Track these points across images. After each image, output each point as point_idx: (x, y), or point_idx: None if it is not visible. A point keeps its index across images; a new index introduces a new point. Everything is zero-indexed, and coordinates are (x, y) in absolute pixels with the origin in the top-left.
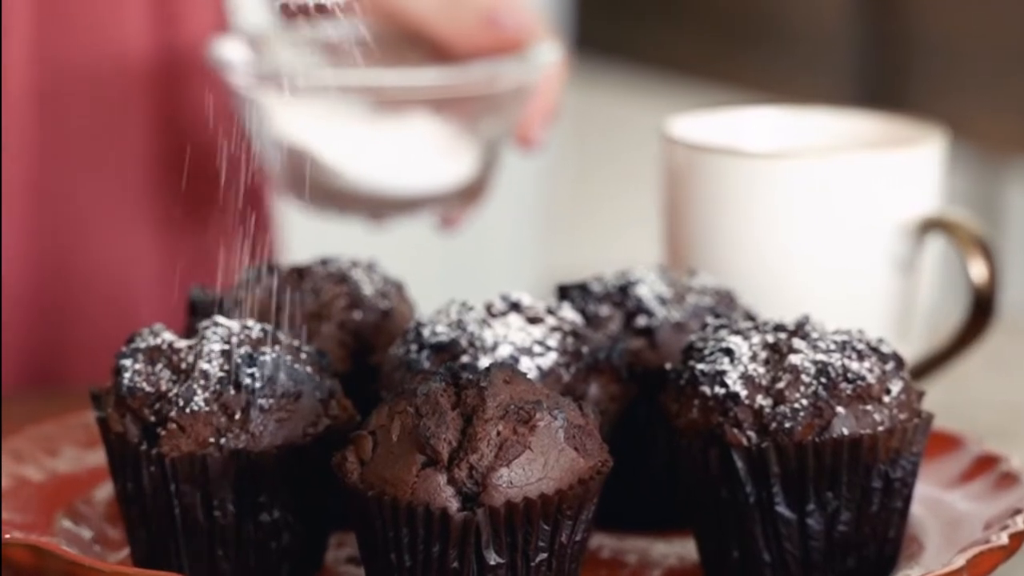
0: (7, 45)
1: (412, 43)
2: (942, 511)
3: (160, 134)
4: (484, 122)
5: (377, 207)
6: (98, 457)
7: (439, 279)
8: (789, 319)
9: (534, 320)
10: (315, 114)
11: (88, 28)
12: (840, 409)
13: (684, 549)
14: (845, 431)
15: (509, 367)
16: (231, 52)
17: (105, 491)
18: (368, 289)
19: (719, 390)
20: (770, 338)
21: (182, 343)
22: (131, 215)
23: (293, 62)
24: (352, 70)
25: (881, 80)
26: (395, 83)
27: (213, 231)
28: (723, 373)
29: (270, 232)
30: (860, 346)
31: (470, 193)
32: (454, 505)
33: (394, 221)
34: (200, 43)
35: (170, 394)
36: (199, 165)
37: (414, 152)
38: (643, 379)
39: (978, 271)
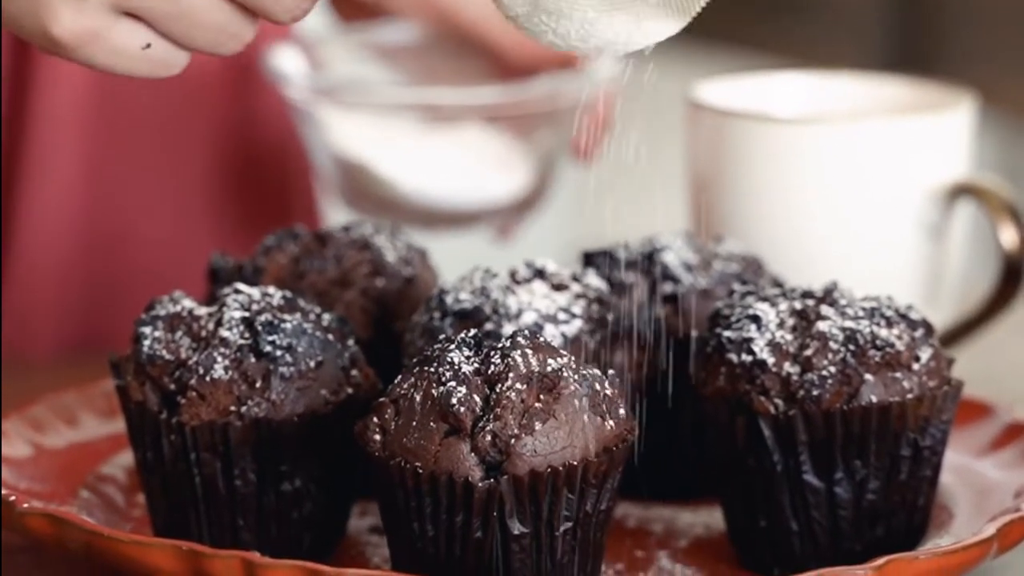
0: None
1: (467, 47)
2: (972, 479)
3: (221, 135)
4: (539, 135)
5: (431, 219)
6: (118, 426)
7: (463, 245)
8: (817, 286)
9: (559, 287)
10: (371, 126)
11: None
12: (868, 376)
13: (711, 518)
14: (874, 399)
15: (533, 334)
16: (287, 63)
17: (125, 460)
18: (391, 256)
19: (746, 357)
20: (798, 305)
21: (202, 310)
22: (183, 209)
23: (348, 74)
24: (407, 85)
25: (908, 45)
26: (451, 101)
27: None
28: (750, 340)
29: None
30: (889, 313)
31: (525, 205)
32: (477, 474)
33: (447, 232)
34: (263, 48)
35: (190, 362)
36: (257, 169)
37: (469, 165)
38: (669, 346)
39: (1008, 237)
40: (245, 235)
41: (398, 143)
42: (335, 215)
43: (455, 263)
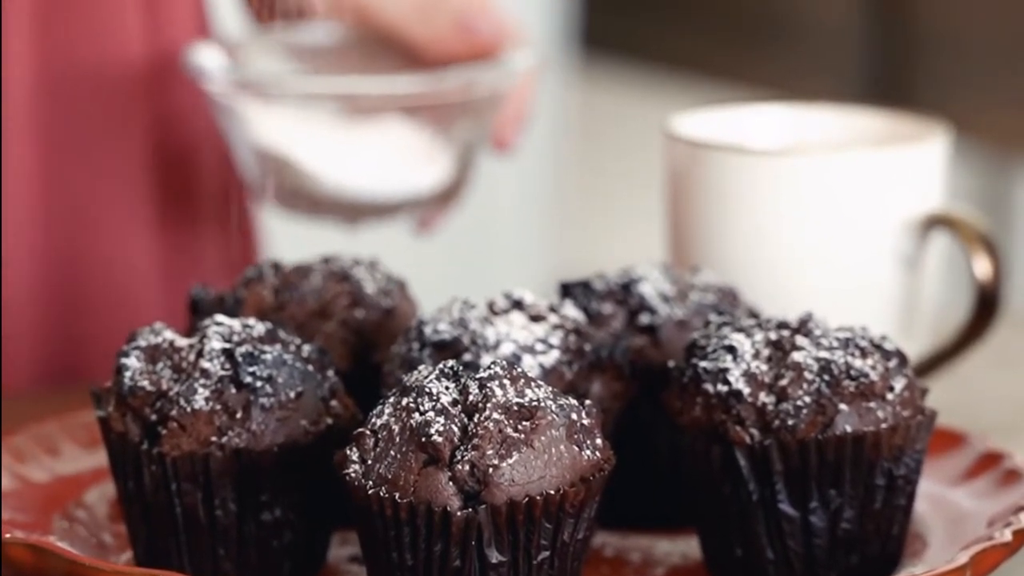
0: (9, 49)
1: (385, 47)
2: (946, 508)
3: (153, 135)
4: (459, 126)
5: (354, 212)
6: (99, 456)
7: (442, 277)
8: (792, 316)
9: (536, 318)
10: (291, 120)
11: (86, 33)
12: (843, 406)
13: (687, 547)
14: (848, 428)
15: (511, 365)
16: (207, 59)
17: (106, 490)
18: (370, 287)
19: (722, 388)
20: (773, 335)
21: (183, 341)
22: (130, 212)
23: (268, 68)
24: (326, 77)
25: (886, 77)
26: (370, 91)
27: (201, 230)
28: (726, 371)
29: (252, 234)
30: (863, 343)
31: (446, 196)
32: (456, 503)
33: (369, 225)
34: (183, 47)
35: (171, 393)
36: (187, 167)
37: (390, 157)
38: (646, 377)
39: (982, 268)
40: (185, 234)
41: (319, 136)
42: (265, 212)
43: (434, 294)
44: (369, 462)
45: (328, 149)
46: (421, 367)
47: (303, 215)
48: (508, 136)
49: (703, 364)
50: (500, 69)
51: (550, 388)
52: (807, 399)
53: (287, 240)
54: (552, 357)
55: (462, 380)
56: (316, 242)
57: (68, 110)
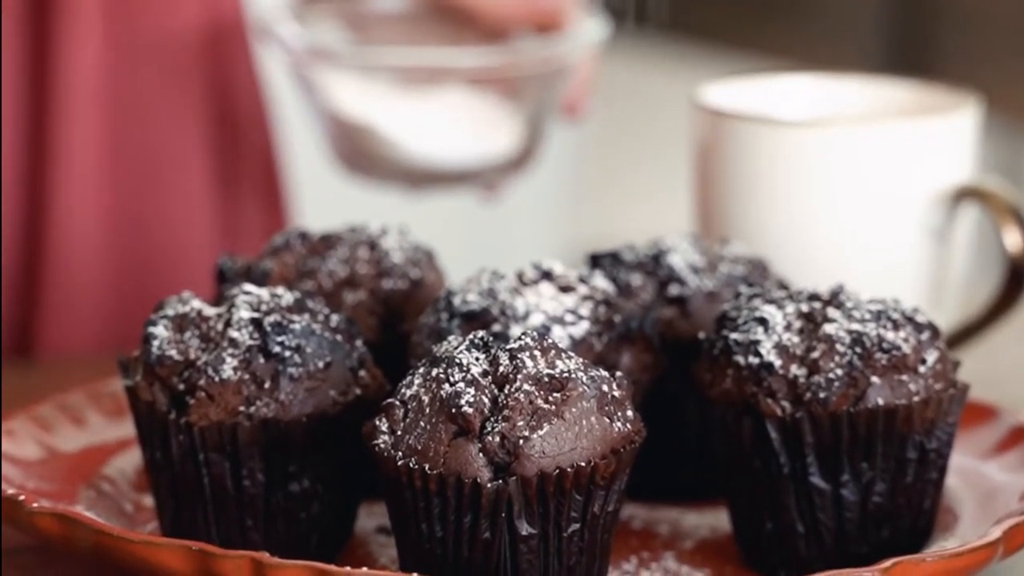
0: (79, 19)
1: (441, 12)
2: (977, 482)
3: (211, 100)
4: (530, 95)
5: (425, 178)
6: (125, 426)
7: (468, 247)
8: (823, 288)
9: (566, 289)
10: (367, 87)
11: (150, 2)
12: (875, 379)
13: (716, 520)
14: (880, 401)
15: (541, 336)
16: (280, 26)
17: (133, 460)
18: (398, 257)
19: (753, 360)
20: (804, 307)
21: (211, 311)
22: (189, 175)
23: (334, 36)
24: (398, 47)
25: (910, 48)
26: (452, 63)
27: (253, 194)
28: (757, 343)
29: (290, 201)
30: (895, 316)
31: (516, 163)
32: (486, 475)
33: (437, 191)
34: (243, 14)
35: (199, 362)
36: (243, 132)
37: (463, 124)
38: (675, 349)
39: (1013, 240)
40: (242, 202)
41: (396, 103)
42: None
43: (456, 265)
44: (399, 433)
45: (405, 116)
46: (451, 338)
47: (374, 180)
48: (578, 104)
49: (734, 336)
50: (571, 42)
51: (581, 360)
52: (839, 371)
53: (332, 204)
54: (582, 328)
55: (492, 351)
56: (340, 211)
57: (133, 77)
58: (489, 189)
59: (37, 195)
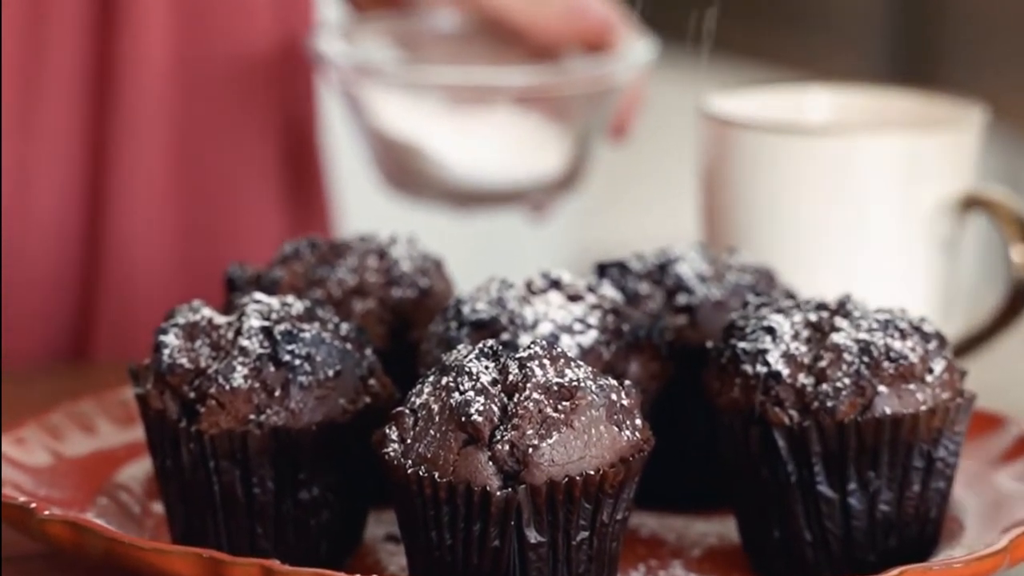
0: (149, 38)
1: (488, 30)
2: (984, 491)
3: (278, 120)
4: (578, 114)
5: (473, 198)
6: (135, 434)
7: (474, 255)
8: (831, 297)
9: (574, 298)
10: (415, 106)
11: (220, 22)
12: (882, 388)
13: (724, 528)
14: (887, 410)
15: (550, 344)
16: (329, 45)
17: (143, 468)
18: (407, 266)
19: (761, 368)
20: (812, 316)
21: (222, 319)
22: (257, 194)
23: (383, 55)
24: (451, 66)
25: (915, 58)
26: (502, 82)
27: (318, 211)
28: (765, 351)
29: (338, 216)
30: (903, 325)
31: (564, 183)
32: (495, 483)
33: (484, 211)
34: (307, 35)
35: (210, 371)
36: (308, 151)
37: (511, 144)
38: (683, 357)
39: (1019, 250)
40: (307, 219)
41: (444, 124)
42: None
43: (462, 273)
44: (408, 441)
45: (452, 135)
46: (460, 346)
47: (420, 200)
48: (625, 124)
49: (742, 345)
50: (620, 62)
51: (590, 368)
52: (846, 380)
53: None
54: (590, 337)
55: (502, 360)
56: (367, 216)
57: (200, 95)
58: (536, 209)
59: (100, 211)
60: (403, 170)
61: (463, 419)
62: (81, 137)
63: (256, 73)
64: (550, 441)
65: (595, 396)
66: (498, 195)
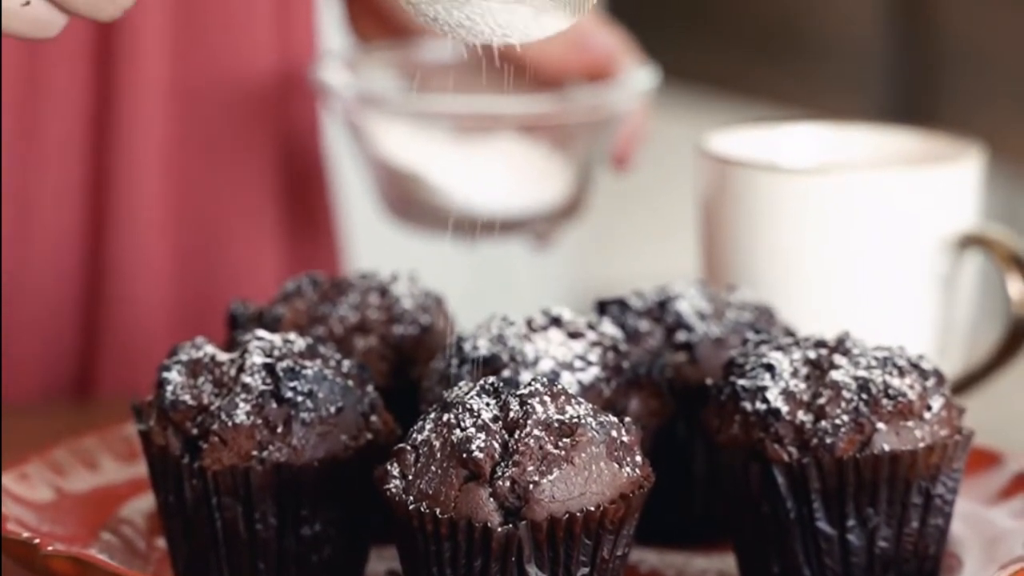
0: (146, 62)
1: (492, 64)
2: (982, 528)
3: (277, 148)
4: (580, 144)
5: (477, 227)
6: (138, 470)
7: (473, 292)
8: (830, 335)
9: (575, 335)
10: (418, 136)
11: (219, 49)
12: (881, 425)
13: (724, 564)
14: (886, 447)
15: (551, 381)
16: (331, 74)
17: (146, 504)
18: (408, 303)
19: (760, 406)
20: (811, 354)
21: (224, 356)
22: (255, 222)
23: (387, 85)
24: (452, 95)
25: (913, 95)
26: (502, 111)
27: (320, 242)
28: (764, 389)
29: (343, 246)
30: (901, 362)
31: (566, 212)
32: (496, 519)
33: (489, 240)
34: (309, 64)
35: (212, 407)
36: (309, 180)
37: (515, 173)
38: (683, 394)
39: (1017, 288)
40: (307, 250)
41: (447, 153)
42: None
43: (462, 310)
44: (410, 477)
45: (456, 165)
46: (461, 383)
47: (424, 230)
48: (627, 153)
49: (741, 382)
50: (622, 90)
51: (590, 405)
52: (845, 418)
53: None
54: (591, 374)
55: (503, 396)
56: (367, 251)
57: (199, 123)
58: (539, 239)
59: (100, 243)
60: (406, 199)
61: (464, 455)
62: (81, 168)
63: (256, 101)
64: (551, 477)
65: (596, 433)
66: (501, 224)
